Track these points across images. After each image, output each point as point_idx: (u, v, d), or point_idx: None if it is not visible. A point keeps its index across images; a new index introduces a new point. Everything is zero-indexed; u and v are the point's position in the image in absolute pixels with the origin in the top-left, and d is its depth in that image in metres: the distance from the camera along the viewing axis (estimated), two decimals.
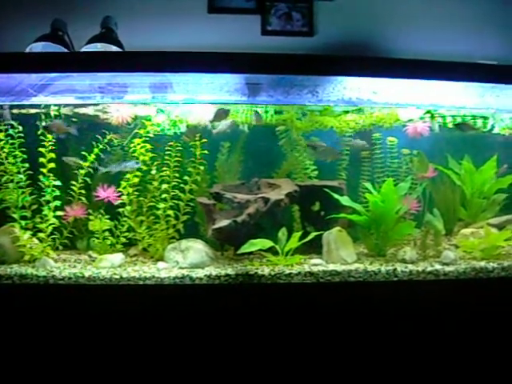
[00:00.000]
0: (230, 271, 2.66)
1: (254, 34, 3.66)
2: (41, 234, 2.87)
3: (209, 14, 3.70)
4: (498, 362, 2.70)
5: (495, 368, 2.69)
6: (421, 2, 3.86)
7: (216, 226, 2.80)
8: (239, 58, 2.50)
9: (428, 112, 2.97)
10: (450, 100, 2.83)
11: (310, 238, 2.85)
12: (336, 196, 2.92)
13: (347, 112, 2.96)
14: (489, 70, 2.72)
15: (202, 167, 2.95)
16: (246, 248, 2.78)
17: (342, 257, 2.82)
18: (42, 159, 2.84)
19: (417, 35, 3.80)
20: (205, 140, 2.90)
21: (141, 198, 2.94)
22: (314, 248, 2.91)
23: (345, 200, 2.93)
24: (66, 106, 2.94)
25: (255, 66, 2.51)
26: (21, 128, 2.81)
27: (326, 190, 2.96)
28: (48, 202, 2.87)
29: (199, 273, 2.65)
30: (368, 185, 2.98)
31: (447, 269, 2.74)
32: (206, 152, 2.92)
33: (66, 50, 3.19)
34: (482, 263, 2.82)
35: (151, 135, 2.90)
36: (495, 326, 2.71)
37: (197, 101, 2.74)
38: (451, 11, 3.87)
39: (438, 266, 2.77)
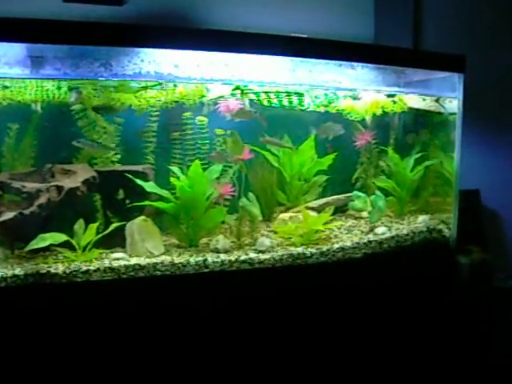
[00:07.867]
0: (17, 271, 2.33)
1: (55, 0, 3.26)
2: None
3: None
4: (321, 354, 2.62)
5: (315, 361, 2.61)
6: None
7: None
8: (15, 25, 2.17)
9: (237, 88, 2.77)
10: (259, 75, 2.65)
11: (110, 229, 2.57)
12: (139, 182, 2.65)
13: (146, 88, 2.67)
14: (299, 43, 2.59)
15: None
16: (34, 244, 2.45)
17: (147, 249, 2.58)
18: None
19: (237, 8, 3.58)
20: None
21: None
22: (119, 241, 2.63)
23: (150, 186, 2.65)
24: None
25: (34, 34, 2.19)
26: None
27: (129, 175, 2.67)
28: None
29: None
30: (175, 168, 2.73)
31: (262, 257, 2.61)
32: None
33: None
34: (300, 249, 2.71)
35: None
36: (316, 313, 2.64)
37: None
38: None
39: (252, 255, 2.63)
